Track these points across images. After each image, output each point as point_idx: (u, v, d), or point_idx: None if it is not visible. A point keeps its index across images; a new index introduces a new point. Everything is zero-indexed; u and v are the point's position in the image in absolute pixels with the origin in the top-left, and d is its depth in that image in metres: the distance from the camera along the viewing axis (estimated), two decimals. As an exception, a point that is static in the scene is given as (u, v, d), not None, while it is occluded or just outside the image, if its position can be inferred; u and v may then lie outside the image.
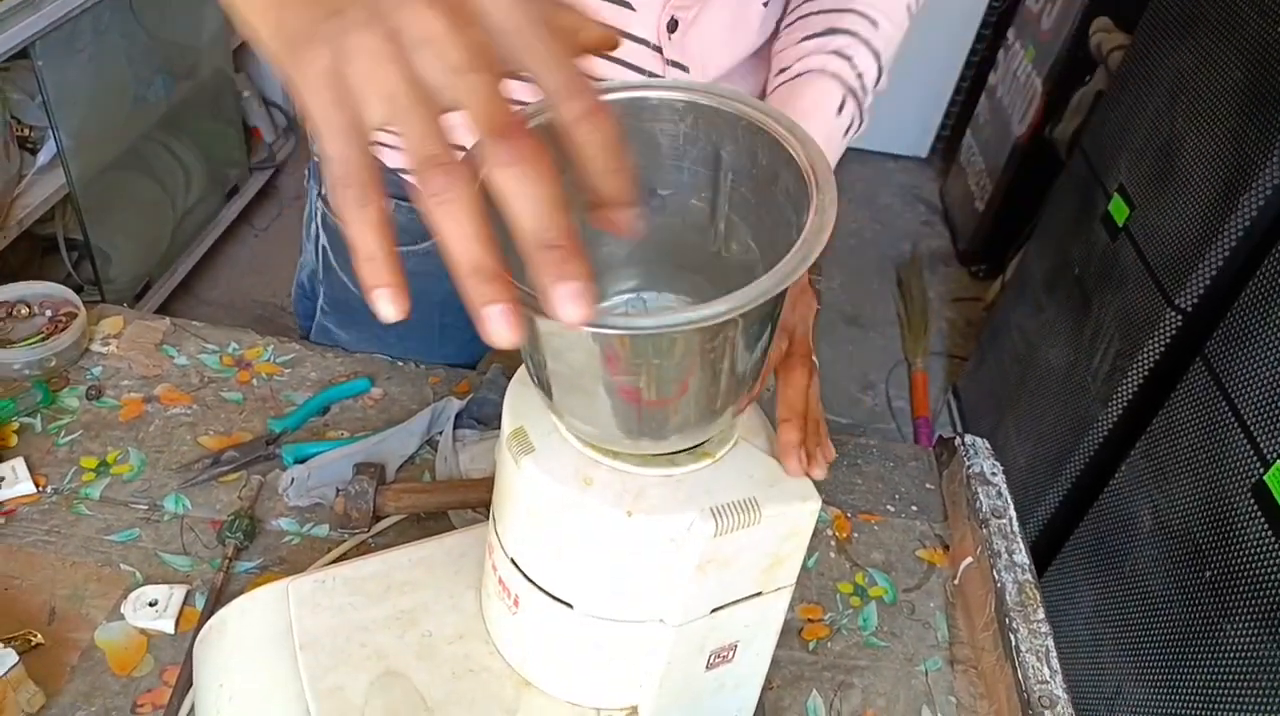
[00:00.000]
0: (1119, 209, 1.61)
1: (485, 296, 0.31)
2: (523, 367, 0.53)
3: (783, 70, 0.68)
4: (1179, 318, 1.41)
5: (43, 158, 1.57)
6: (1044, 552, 1.66)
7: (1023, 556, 0.76)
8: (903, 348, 2.54)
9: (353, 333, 0.94)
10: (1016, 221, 2.51)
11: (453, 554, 0.65)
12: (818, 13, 0.68)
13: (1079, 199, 1.82)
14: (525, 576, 0.52)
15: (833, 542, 0.81)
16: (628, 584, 0.50)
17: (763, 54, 0.77)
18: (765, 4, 0.73)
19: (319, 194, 0.89)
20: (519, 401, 0.52)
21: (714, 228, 0.49)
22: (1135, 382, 1.49)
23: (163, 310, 2.00)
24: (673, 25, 0.69)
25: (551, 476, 0.48)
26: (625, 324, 0.37)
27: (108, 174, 1.71)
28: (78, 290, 1.82)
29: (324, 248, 0.91)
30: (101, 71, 1.63)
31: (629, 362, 0.41)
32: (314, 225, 0.91)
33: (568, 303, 0.31)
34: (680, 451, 0.49)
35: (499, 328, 0.31)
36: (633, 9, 0.68)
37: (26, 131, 1.56)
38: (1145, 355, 1.47)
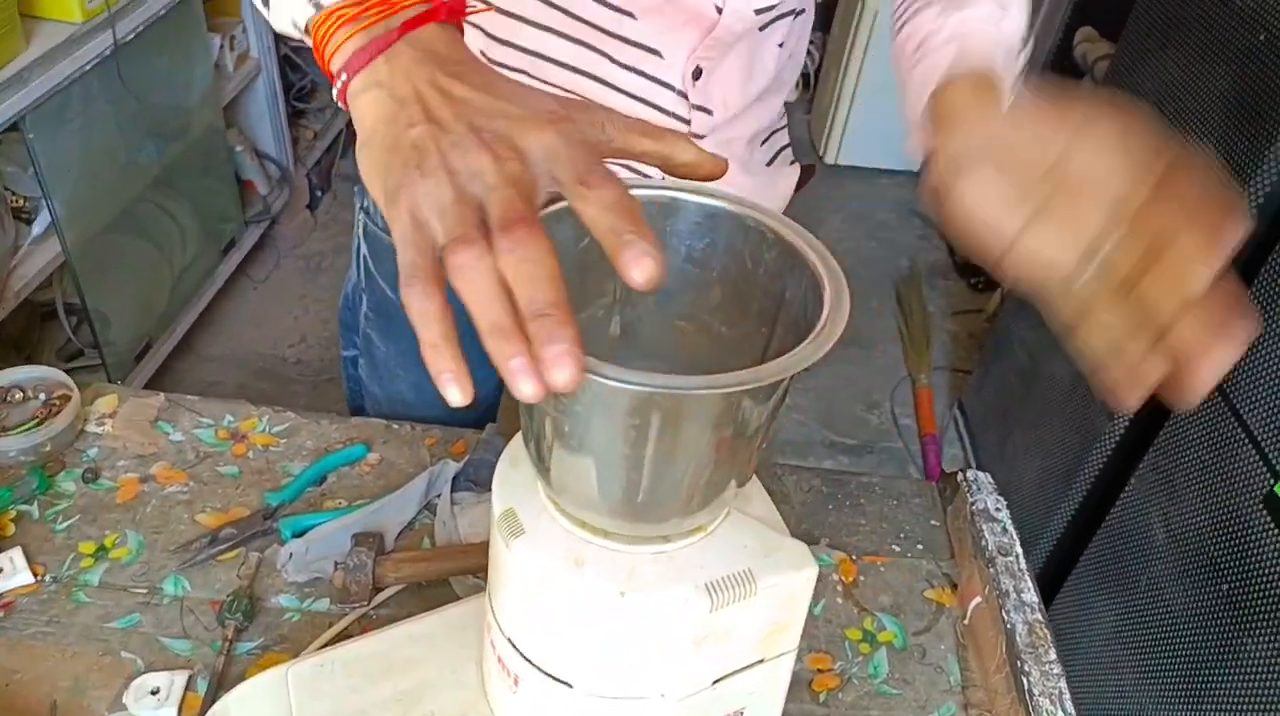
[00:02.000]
0: (1112, 220, 1.60)
1: (506, 353, 0.35)
2: (511, 446, 0.53)
3: (926, 38, 0.59)
4: (1180, 328, 1.40)
5: (37, 227, 1.58)
6: (1058, 568, 1.65)
7: (1031, 595, 0.75)
8: (906, 364, 2.54)
9: (392, 342, 0.96)
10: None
11: (453, 627, 0.65)
12: None
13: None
14: (523, 656, 0.52)
15: (839, 588, 0.80)
16: (626, 661, 0.49)
17: (776, 84, 0.80)
18: (780, 44, 0.77)
19: (361, 207, 0.92)
20: (508, 482, 0.51)
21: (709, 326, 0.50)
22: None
23: (164, 369, 2.01)
24: (697, 73, 0.72)
25: (543, 557, 0.48)
26: (670, 383, 0.37)
27: (103, 238, 1.72)
28: (78, 354, 1.83)
29: (365, 257, 0.93)
30: (92, 139, 1.64)
31: (658, 427, 0.40)
32: (357, 239, 0.94)
33: (553, 366, 0.34)
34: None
35: (524, 380, 0.34)
36: (661, 57, 0.71)
37: (21, 202, 1.57)
38: (1148, 367, 1.45)
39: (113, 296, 1.78)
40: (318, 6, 0.44)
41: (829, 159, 3.27)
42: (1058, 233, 0.41)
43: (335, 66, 0.43)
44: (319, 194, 2.65)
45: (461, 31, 0.45)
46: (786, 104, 0.87)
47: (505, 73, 0.45)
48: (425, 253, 0.37)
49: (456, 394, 0.36)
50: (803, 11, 0.78)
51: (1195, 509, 1.29)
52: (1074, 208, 0.41)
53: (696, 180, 0.45)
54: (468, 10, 0.47)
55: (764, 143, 0.84)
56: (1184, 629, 1.29)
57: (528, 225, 0.35)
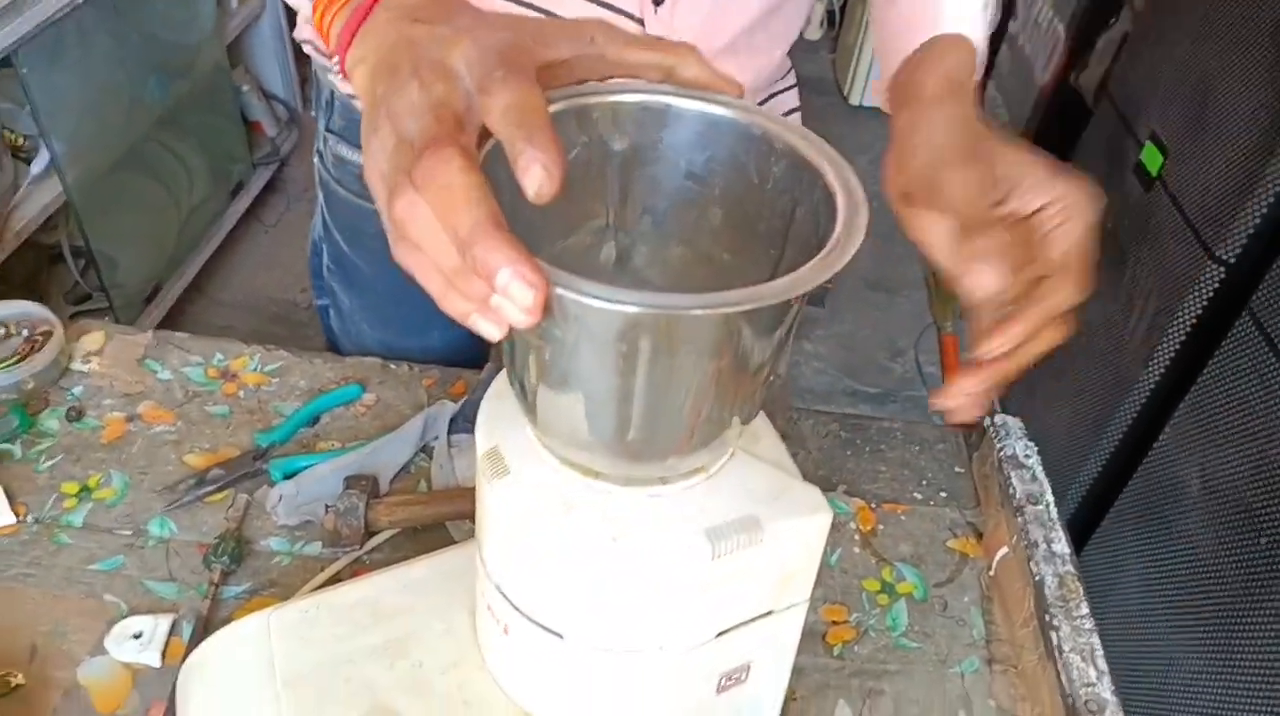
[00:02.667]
0: (1152, 157, 1.53)
1: (456, 306, 0.33)
2: (497, 381, 0.49)
3: None
4: (1221, 270, 1.33)
5: (37, 167, 1.54)
6: (1087, 519, 1.60)
7: (1062, 545, 0.70)
8: (930, 310, 2.46)
9: (353, 296, 0.92)
10: (1045, 173, 2.41)
11: (444, 574, 0.61)
12: None
13: (1109, 149, 1.73)
14: (512, 604, 0.48)
15: (856, 537, 0.76)
16: (619, 611, 0.45)
17: (763, 31, 0.71)
18: None
19: (316, 150, 0.87)
20: (494, 418, 0.47)
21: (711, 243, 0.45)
22: (1177, 340, 1.42)
23: (175, 312, 1.98)
24: None
25: (529, 500, 0.44)
26: (663, 302, 0.33)
27: (107, 178, 1.69)
28: (86, 298, 1.81)
29: (322, 207, 0.89)
30: (91, 75, 1.59)
31: (650, 354, 0.36)
32: (316, 187, 0.90)
33: (503, 299, 0.31)
34: (669, 466, 0.44)
35: (482, 323, 0.33)
36: None
37: (19, 140, 1.53)
38: (1186, 311, 1.39)
39: (119, 238, 1.75)
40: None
41: (854, 100, 3.17)
42: (996, 273, 0.42)
43: (332, 47, 0.42)
44: (330, 135, 2.60)
45: None
46: (803, 43, 0.79)
47: None
48: (378, 188, 0.35)
49: (488, 327, 0.34)
50: None
51: (1234, 458, 1.24)
52: (1012, 252, 0.44)
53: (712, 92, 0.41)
54: None
55: (761, 104, 0.76)
56: (1219, 579, 1.24)
57: (435, 148, 0.32)
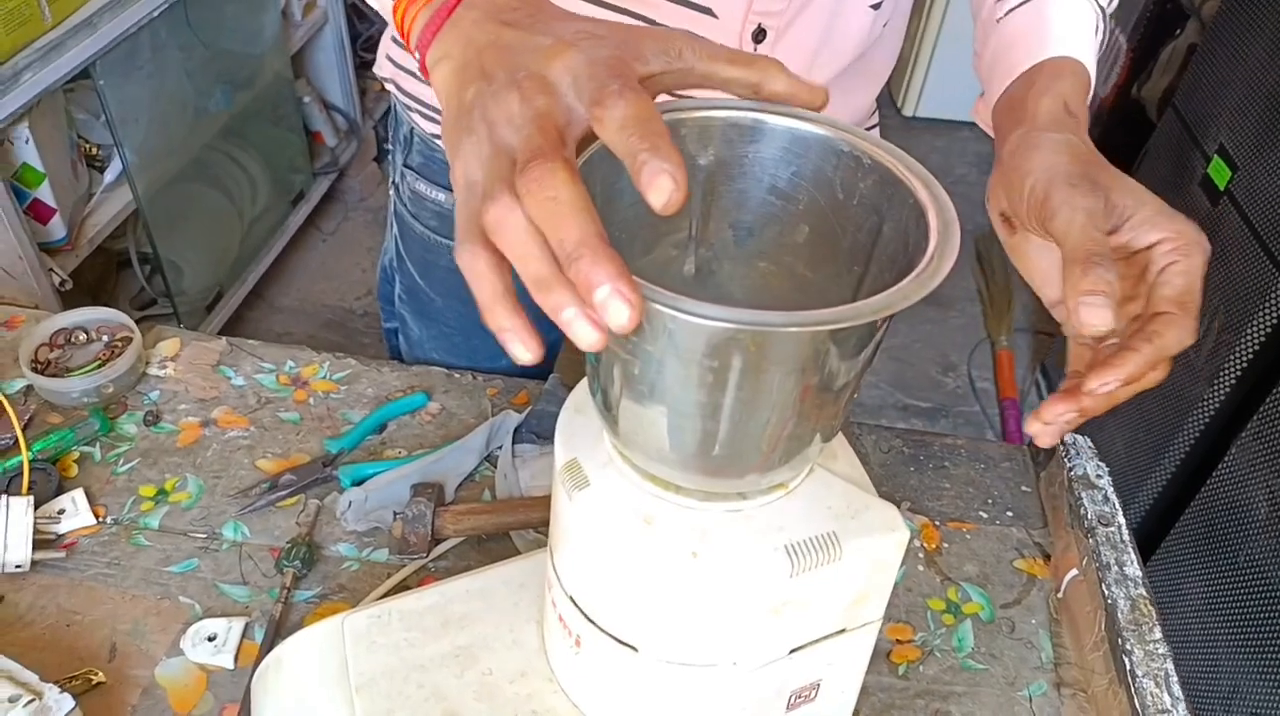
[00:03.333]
0: (1220, 171, 1.49)
1: (553, 305, 0.32)
2: (575, 393, 0.49)
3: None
4: (1293, 292, 1.30)
5: (109, 175, 1.59)
6: (1148, 540, 1.56)
7: (1135, 568, 0.69)
8: (985, 325, 2.44)
9: (424, 325, 0.93)
10: (1104, 187, 2.37)
11: (512, 584, 0.62)
12: None
13: (1174, 162, 1.70)
14: (586, 616, 0.48)
15: (921, 555, 0.75)
16: (696, 626, 0.45)
17: (857, 74, 0.71)
18: (875, 6, 0.67)
19: (391, 183, 0.88)
20: (572, 431, 0.48)
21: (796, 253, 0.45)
22: (1245, 357, 1.38)
23: (235, 318, 2.03)
24: (759, 34, 0.64)
25: (609, 513, 0.44)
26: (756, 319, 0.33)
27: (174, 187, 1.73)
28: (151, 303, 1.86)
29: (397, 238, 0.90)
30: (162, 86, 1.64)
31: (739, 370, 0.36)
32: (390, 218, 0.91)
33: (604, 310, 0.31)
34: (749, 482, 0.44)
35: (580, 328, 0.32)
36: (715, 16, 0.63)
37: (94, 150, 1.58)
38: (1255, 328, 1.36)
39: (184, 245, 1.79)
40: None
41: (907, 111, 3.14)
42: (1109, 311, 0.41)
43: (413, 44, 0.42)
44: (387, 147, 2.64)
45: None
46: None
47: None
48: (472, 215, 0.35)
49: (521, 350, 0.34)
50: None
51: (1304, 481, 1.20)
52: (1123, 288, 0.43)
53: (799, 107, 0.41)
54: None
55: None
56: (1287, 607, 1.21)
57: (542, 160, 0.32)
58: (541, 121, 0.34)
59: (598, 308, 0.31)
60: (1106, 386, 0.42)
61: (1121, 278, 0.42)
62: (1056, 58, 0.53)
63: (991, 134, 0.56)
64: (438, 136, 0.77)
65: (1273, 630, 1.23)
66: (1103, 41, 0.57)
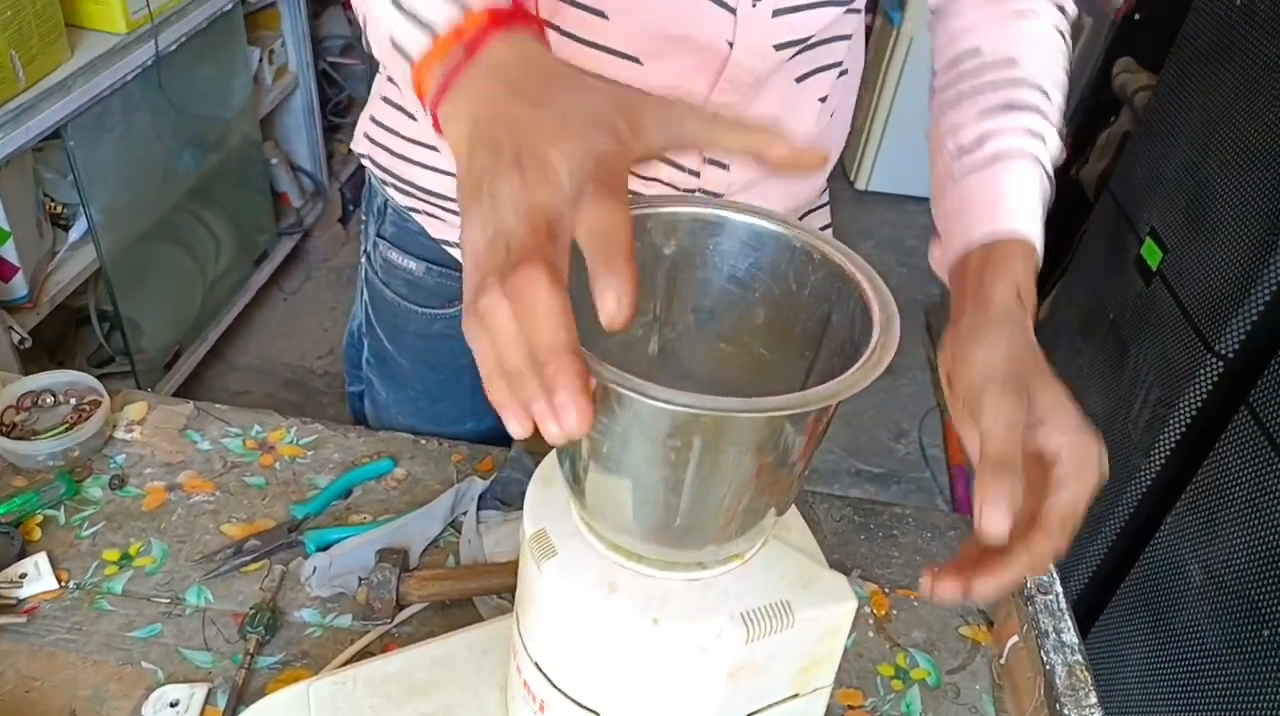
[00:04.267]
0: (1152, 253, 1.58)
1: (496, 397, 0.36)
2: (544, 465, 0.52)
3: (964, 150, 0.62)
4: (1220, 364, 1.37)
5: (74, 234, 1.59)
6: (1090, 605, 1.61)
7: (1071, 635, 0.72)
8: (935, 393, 2.50)
9: (391, 389, 0.94)
10: (1046, 262, 2.47)
11: (475, 651, 0.64)
12: (989, 86, 0.63)
13: (1110, 242, 1.79)
14: (550, 682, 0.50)
15: (871, 621, 0.78)
16: (656, 691, 0.48)
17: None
18: (823, 99, 0.72)
19: (363, 251, 0.90)
20: (541, 502, 0.50)
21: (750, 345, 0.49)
22: (1177, 432, 1.45)
23: (194, 377, 2.02)
24: None
25: (575, 581, 0.46)
26: (715, 405, 0.36)
27: (138, 246, 1.74)
28: (109, 361, 1.85)
29: (367, 303, 0.92)
30: (131, 148, 1.66)
31: (699, 450, 0.39)
32: (360, 284, 0.92)
33: (554, 415, 0.35)
34: (707, 553, 0.47)
35: (511, 421, 0.36)
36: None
37: (59, 209, 1.59)
38: (1187, 403, 1.42)
39: (145, 304, 1.79)
40: (410, 65, 0.44)
41: (859, 184, 3.26)
42: (1005, 520, 0.44)
43: (426, 101, 0.43)
44: (351, 208, 2.67)
45: (541, 38, 0.44)
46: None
47: None
48: (473, 292, 0.37)
49: (516, 427, 0.36)
50: (845, 71, 0.74)
51: (1236, 550, 1.26)
52: (1025, 496, 0.46)
53: (797, 172, 0.43)
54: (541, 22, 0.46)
55: (801, 218, 0.81)
56: (1223, 672, 1.25)
57: (528, 266, 0.35)
58: (535, 217, 0.37)
59: (553, 409, 0.35)
60: (987, 588, 0.46)
61: (1028, 473, 0.46)
62: (1011, 238, 0.56)
63: (946, 283, 0.60)
64: (412, 209, 0.80)
65: (1208, 695, 1.27)
66: (1050, 198, 0.61)
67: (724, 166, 0.71)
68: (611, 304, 0.34)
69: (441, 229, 0.78)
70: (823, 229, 0.86)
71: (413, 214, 0.81)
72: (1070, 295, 1.97)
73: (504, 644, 0.62)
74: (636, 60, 0.65)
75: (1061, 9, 0.67)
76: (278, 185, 2.26)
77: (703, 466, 0.40)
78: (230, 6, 1.81)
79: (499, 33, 0.42)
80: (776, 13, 0.63)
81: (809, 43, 0.67)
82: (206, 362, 2.09)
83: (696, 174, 0.71)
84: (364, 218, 0.90)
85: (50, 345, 1.75)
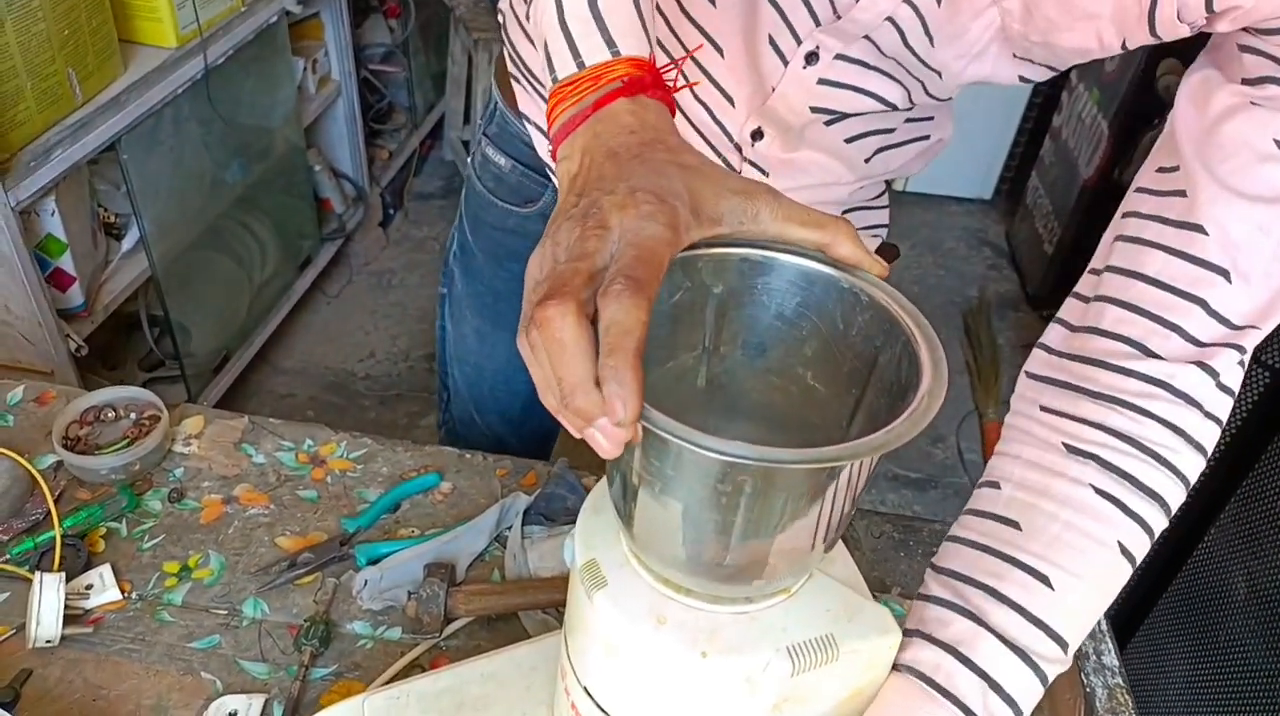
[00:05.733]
0: (1197, 261, 1.56)
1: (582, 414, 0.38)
2: (593, 494, 0.53)
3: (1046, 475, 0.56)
4: (1266, 375, 1.35)
5: (127, 243, 1.64)
6: (1131, 616, 1.59)
7: (1112, 658, 0.72)
8: (973, 397, 2.49)
9: (466, 282, 0.98)
10: (1088, 264, 2.45)
11: (524, 667, 0.65)
12: (1104, 399, 0.55)
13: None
14: (599, 707, 0.52)
15: (910, 639, 0.78)
16: (703, 719, 0.49)
17: (857, 187, 0.78)
18: (867, 161, 0.74)
19: (471, 151, 0.95)
20: (591, 531, 0.51)
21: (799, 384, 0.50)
22: (1222, 442, 1.43)
23: (240, 380, 2.06)
24: (758, 134, 0.70)
25: (625, 613, 0.48)
26: (762, 456, 0.37)
27: (187, 254, 1.78)
28: (159, 365, 1.89)
29: (463, 197, 0.95)
30: (182, 160, 1.70)
31: (748, 496, 0.40)
32: (465, 183, 0.96)
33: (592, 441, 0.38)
34: (754, 586, 0.48)
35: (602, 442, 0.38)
36: (732, 106, 0.70)
37: (113, 218, 1.63)
38: (1232, 413, 1.40)
39: (195, 310, 1.84)
40: (554, 80, 0.49)
41: (897, 185, 3.24)
42: None
43: (551, 133, 0.48)
44: (392, 213, 2.71)
45: (669, 105, 0.48)
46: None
47: None
48: (526, 314, 0.40)
49: (577, 424, 0.39)
50: (924, 138, 0.76)
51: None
52: None
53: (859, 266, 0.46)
54: (671, 84, 0.49)
55: (845, 213, 0.82)
56: (1267, 686, 1.24)
57: (559, 301, 0.37)
58: (578, 262, 0.39)
59: (592, 431, 0.38)
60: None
61: None
62: None
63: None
64: (513, 76, 0.83)
65: (1253, 708, 1.26)
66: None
67: (764, 173, 0.73)
68: (618, 409, 0.36)
69: (526, 102, 0.81)
70: (877, 228, 0.87)
71: (510, 115, 0.84)
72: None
73: (551, 661, 0.64)
74: (720, 52, 0.67)
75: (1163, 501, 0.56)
76: (321, 191, 2.30)
77: (752, 510, 0.41)
78: (276, 19, 1.85)
79: (627, 100, 0.46)
80: (822, 81, 0.65)
81: (847, 117, 0.69)
82: (253, 366, 2.13)
83: (738, 172, 0.73)
84: (479, 120, 0.95)
85: (103, 351, 1.80)
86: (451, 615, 0.75)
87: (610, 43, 0.48)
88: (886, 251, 0.88)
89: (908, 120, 0.74)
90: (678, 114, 0.73)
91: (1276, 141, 0.51)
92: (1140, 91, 2.23)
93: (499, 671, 0.65)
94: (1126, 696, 0.70)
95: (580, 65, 0.48)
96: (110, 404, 0.88)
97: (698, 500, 0.41)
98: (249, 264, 2.02)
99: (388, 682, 0.71)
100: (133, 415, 0.87)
